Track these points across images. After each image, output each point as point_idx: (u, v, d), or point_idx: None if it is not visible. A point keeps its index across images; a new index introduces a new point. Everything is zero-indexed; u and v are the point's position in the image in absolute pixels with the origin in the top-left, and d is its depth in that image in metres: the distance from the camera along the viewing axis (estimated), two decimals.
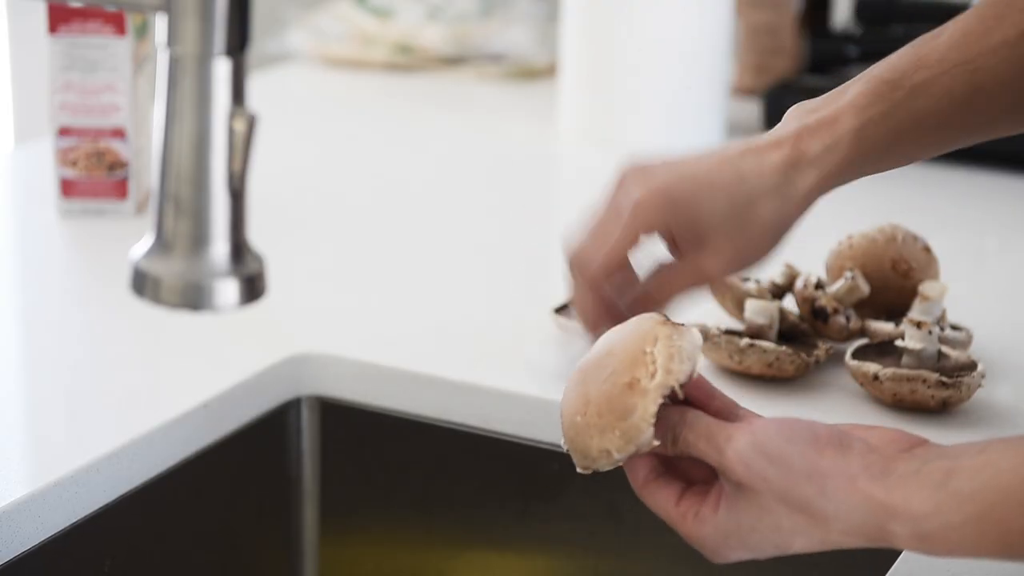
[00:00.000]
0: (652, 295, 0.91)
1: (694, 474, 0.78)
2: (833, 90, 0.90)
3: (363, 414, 1.06)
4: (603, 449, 0.77)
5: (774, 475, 0.73)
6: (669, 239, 0.91)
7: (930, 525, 0.70)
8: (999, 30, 0.87)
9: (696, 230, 0.89)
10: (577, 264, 0.90)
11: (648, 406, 0.76)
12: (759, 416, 0.77)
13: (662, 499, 0.78)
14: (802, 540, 0.74)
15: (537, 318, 1.12)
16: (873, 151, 0.89)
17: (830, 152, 0.88)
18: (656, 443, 0.76)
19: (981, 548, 0.70)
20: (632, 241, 0.89)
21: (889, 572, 0.86)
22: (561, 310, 1.09)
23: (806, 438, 0.74)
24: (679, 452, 0.77)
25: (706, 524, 0.76)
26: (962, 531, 0.70)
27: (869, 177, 0.90)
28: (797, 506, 0.73)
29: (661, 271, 0.92)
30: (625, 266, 0.90)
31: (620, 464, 0.78)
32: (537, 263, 1.29)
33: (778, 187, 0.88)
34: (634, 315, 0.82)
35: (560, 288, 1.16)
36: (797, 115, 0.91)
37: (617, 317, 0.86)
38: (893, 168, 0.92)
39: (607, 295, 0.90)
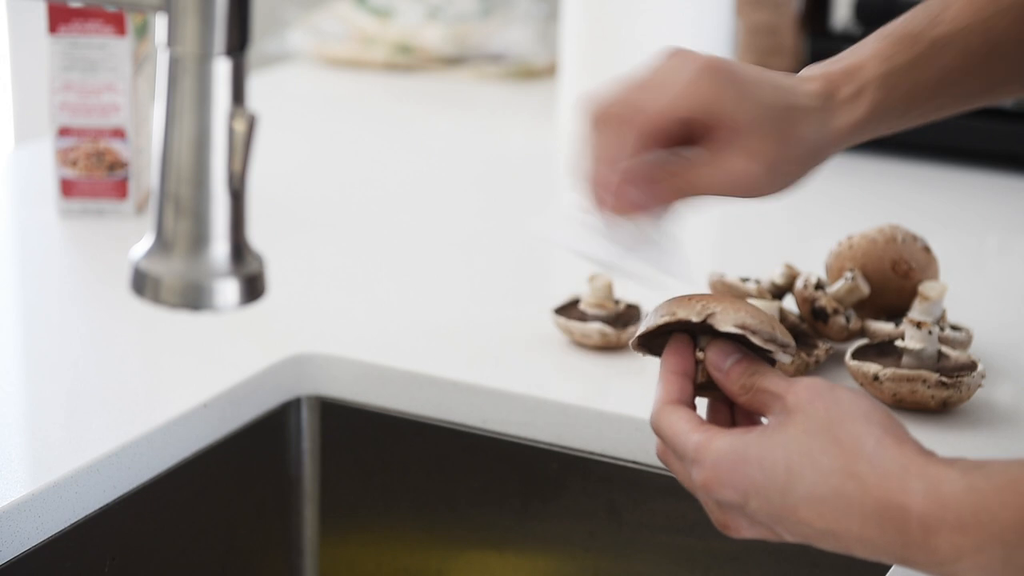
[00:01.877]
0: (675, 183, 0.82)
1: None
2: (847, 49, 0.89)
3: (363, 414, 1.06)
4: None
5: (836, 409, 0.73)
6: (710, 125, 0.82)
7: (952, 487, 0.69)
8: None
9: (741, 118, 0.82)
10: (618, 111, 0.81)
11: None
12: None
13: (686, 416, 0.77)
14: (815, 478, 0.72)
15: (537, 318, 1.12)
16: (898, 101, 0.88)
17: (858, 97, 0.86)
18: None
19: (997, 520, 0.68)
20: (696, 107, 0.81)
21: (889, 572, 0.86)
22: (562, 311, 1.09)
23: (880, 405, 0.74)
24: (749, 384, 0.77)
25: (731, 435, 0.75)
26: (984, 496, 0.68)
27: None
28: (841, 438, 0.72)
29: (693, 162, 0.82)
30: (665, 138, 0.82)
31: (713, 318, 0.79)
32: (537, 263, 1.29)
33: (818, 111, 0.85)
34: (649, 198, 0.81)
35: (558, 288, 1.16)
36: (817, 66, 0.88)
37: (636, 200, 0.82)
38: (911, 125, 0.91)
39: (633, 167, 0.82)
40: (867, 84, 0.86)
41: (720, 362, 0.79)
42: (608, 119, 0.81)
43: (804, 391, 0.75)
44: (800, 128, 0.84)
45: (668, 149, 0.82)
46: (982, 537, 0.68)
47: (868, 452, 0.71)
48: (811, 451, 0.72)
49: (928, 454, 0.72)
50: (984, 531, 0.68)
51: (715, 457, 0.74)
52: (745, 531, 0.76)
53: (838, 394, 0.74)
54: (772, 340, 0.79)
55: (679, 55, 0.83)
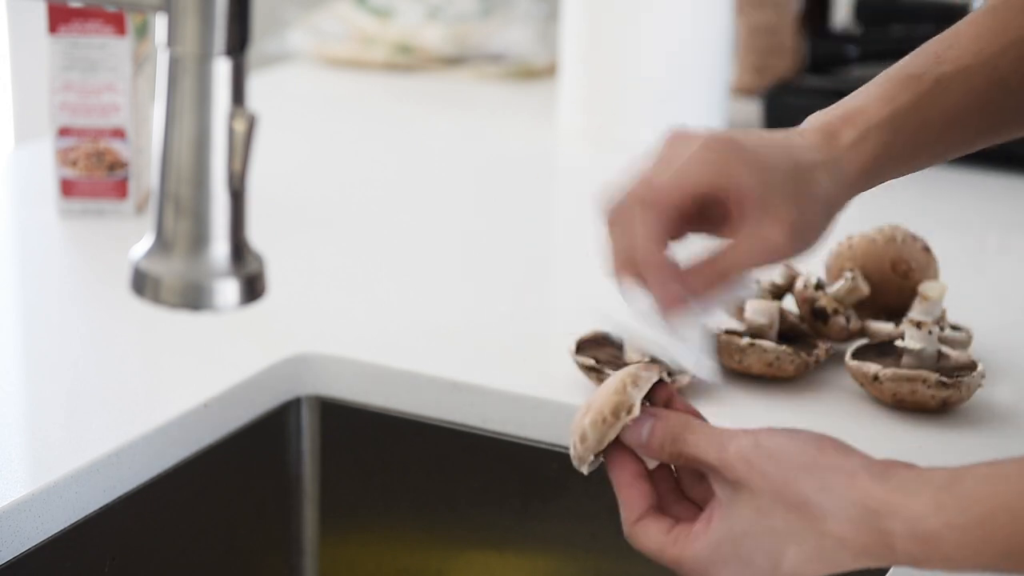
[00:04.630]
0: (714, 271, 0.82)
1: (685, 516, 0.78)
2: (848, 95, 0.87)
3: (363, 414, 1.06)
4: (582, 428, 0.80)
5: (774, 470, 0.73)
6: (723, 201, 0.81)
7: (930, 524, 0.70)
8: (1013, 28, 0.87)
9: (754, 186, 0.81)
10: (631, 197, 0.81)
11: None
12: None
13: (654, 530, 0.78)
14: (795, 548, 0.73)
15: (537, 318, 1.12)
16: (906, 143, 0.86)
17: (863, 142, 0.84)
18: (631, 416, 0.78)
19: (982, 554, 0.70)
20: (701, 181, 0.80)
21: (889, 572, 0.86)
22: (580, 350, 1.03)
23: (808, 438, 0.75)
24: (676, 452, 0.77)
25: (698, 540, 0.76)
26: (964, 533, 0.69)
27: None
28: (794, 502, 0.73)
29: (722, 246, 0.82)
30: (687, 210, 0.81)
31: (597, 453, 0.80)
32: (537, 263, 1.29)
33: (826, 162, 0.84)
34: (692, 290, 0.81)
35: (558, 288, 1.16)
36: (818, 115, 0.87)
37: (677, 287, 0.81)
38: (922, 168, 0.89)
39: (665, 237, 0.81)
40: (871, 128, 0.85)
41: (638, 439, 0.79)
42: (622, 209, 0.81)
43: (739, 462, 0.74)
44: (813, 183, 0.83)
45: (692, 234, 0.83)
46: (970, 564, 0.70)
47: (828, 509, 0.72)
48: (775, 530, 0.74)
49: (882, 478, 0.72)
50: (970, 561, 0.70)
51: (696, 565, 0.76)
52: None
53: (768, 451, 0.74)
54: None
55: (679, 136, 0.83)
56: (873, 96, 0.86)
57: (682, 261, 0.82)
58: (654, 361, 0.83)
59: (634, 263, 0.81)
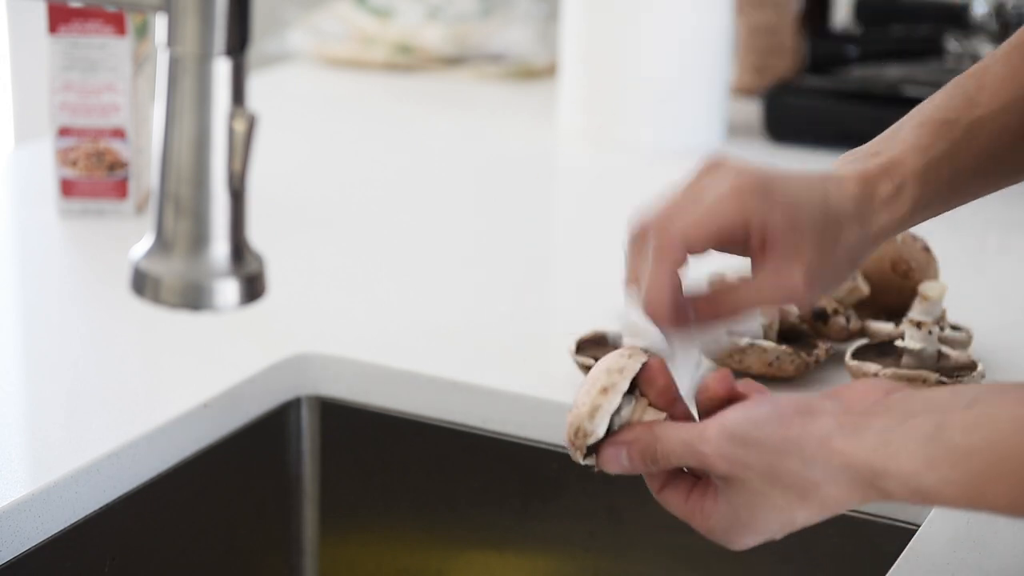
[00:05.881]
0: (725, 303, 0.83)
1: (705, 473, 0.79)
2: (882, 134, 0.88)
3: (363, 414, 1.06)
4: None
5: (754, 459, 0.74)
6: (758, 238, 0.82)
7: (925, 481, 0.71)
8: None
9: (791, 230, 0.82)
10: (651, 229, 0.81)
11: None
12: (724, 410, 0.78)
13: (674, 500, 0.79)
14: (803, 513, 0.75)
15: (537, 318, 1.12)
16: (940, 191, 0.87)
17: (898, 196, 0.85)
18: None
19: (981, 502, 0.71)
20: (726, 222, 0.81)
21: (889, 572, 0.86)
22: (580, 350, 1.03)
23: (770, 416, 0.75)
24: (661, 468, 0.78)
25: (710, 518, 0.78)
26: (961, 487, 0.70)
27: None
28: (785, 482, 0.74)
29: (739, 282, 0.83)
30: (709, 248, 0.82)
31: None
32: (537, 262, 1.29)
33: (858, 216, 0.84)
34: (698, 320, 0.82)
35: (558, 288, 1.16)
36: (852, 158, 0.87)
37: (682, 319, 0.82)
38: (959, 205, 0.90)
39: (679, 281, 0.81)
40: (906, 180, 0.85)
41: (621, 468, 0.79)
42: (643, 238, 0.82)
43: (719, 460, 0.75)
44: (842, 235, 0.84)
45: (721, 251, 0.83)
46: (972, 508, 0.72)
47: (820, 479, 0.73)
48: (777, 506, 0.75)
49: (855, 428, 0.73)
50: (971, 508, 0.72)
51: (712, 532, 0.78)
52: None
53: (740, 439, 0.75)
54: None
55: (712, 168, 0.83)
56: (909, 144, 0.86)
57: (696, 285, 0.83)
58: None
59: (647, 299, 0.82)
